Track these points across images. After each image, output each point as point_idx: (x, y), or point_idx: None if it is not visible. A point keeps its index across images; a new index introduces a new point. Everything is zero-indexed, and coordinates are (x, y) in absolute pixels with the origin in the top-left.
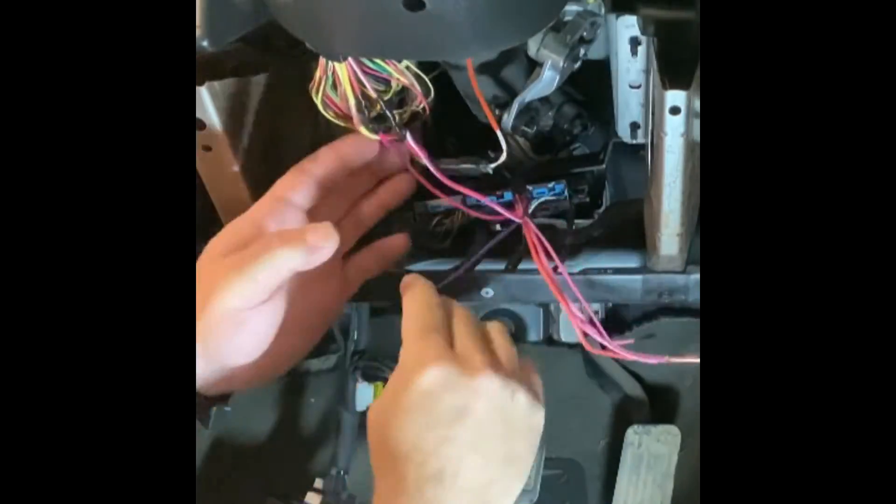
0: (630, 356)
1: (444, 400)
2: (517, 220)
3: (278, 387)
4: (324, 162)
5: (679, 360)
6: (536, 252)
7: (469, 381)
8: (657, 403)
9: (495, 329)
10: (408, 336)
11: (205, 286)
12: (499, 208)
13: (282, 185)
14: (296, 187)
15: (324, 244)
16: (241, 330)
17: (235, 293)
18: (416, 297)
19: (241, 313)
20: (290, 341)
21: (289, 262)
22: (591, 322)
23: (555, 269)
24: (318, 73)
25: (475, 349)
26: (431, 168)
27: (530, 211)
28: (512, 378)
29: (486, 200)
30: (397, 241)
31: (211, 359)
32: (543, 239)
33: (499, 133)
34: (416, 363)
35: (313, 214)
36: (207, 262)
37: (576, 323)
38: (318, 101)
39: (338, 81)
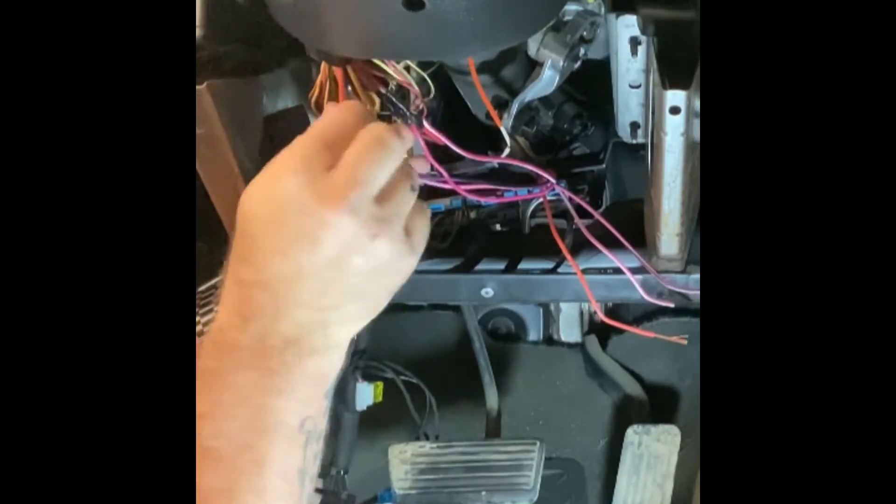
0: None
1: (289, 220)
2: (553, 180)
3: None
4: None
5: None
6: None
7: (319, 211)
8: (657, 403)
9: (402, 169)
10: (299, 138)
11: None
12: (536, 169)
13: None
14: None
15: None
16: None
17: None
18: (335, 108)
19: None
20: None
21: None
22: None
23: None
24: (319, 79)
25: (349, 180)
26: (453, 148)
27: (529, 211)
28: (380, 224)
29: (522, 163)
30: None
31: None
32: (580, 199)
33: (502, 128)
34: (280, 166)
35: None
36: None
37: None
38: (315, 108)
39: (340, 85)
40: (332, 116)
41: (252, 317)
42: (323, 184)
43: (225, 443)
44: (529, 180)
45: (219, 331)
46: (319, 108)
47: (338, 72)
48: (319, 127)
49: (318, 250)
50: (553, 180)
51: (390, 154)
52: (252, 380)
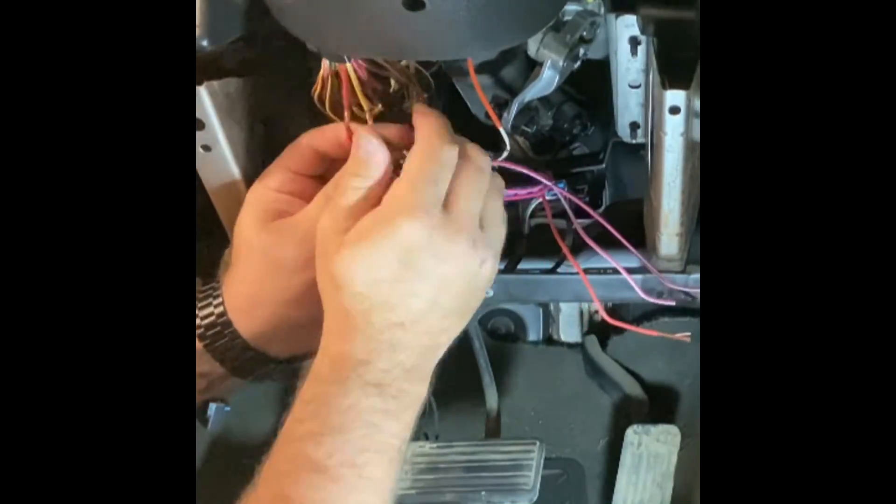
0: None
1: (419, 258)
2: (548, 182)
3: (278, 387)
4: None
5: None
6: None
7: (448, 247)
8: (657, 403)
9: (494, 189)
10: (408, 174)
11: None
12: (530, 172)
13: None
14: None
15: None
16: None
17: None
18: (431, 133)
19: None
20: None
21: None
22: None
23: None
24: (321, 74)
25: (466, 213)
26: None
27: (529, 211)
28: (488, 249)
29: (516, 167)
30: None
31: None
32: (574, 198)
33: (501, 129)
34: (403, 209)
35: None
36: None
37: None
38: (318, 103)
39: (342, 81)
40: (432, 153)
41: (383, 351)
42: (445, 225)
43: (337, 462)
44: (529, 180)
45: (341, 358)
46: (322, 104)
47: (349, 68)
48: (421, 167)
49: (448, 285)
50: (548, 182)
51: (487, 180)
52: (373, 405)
